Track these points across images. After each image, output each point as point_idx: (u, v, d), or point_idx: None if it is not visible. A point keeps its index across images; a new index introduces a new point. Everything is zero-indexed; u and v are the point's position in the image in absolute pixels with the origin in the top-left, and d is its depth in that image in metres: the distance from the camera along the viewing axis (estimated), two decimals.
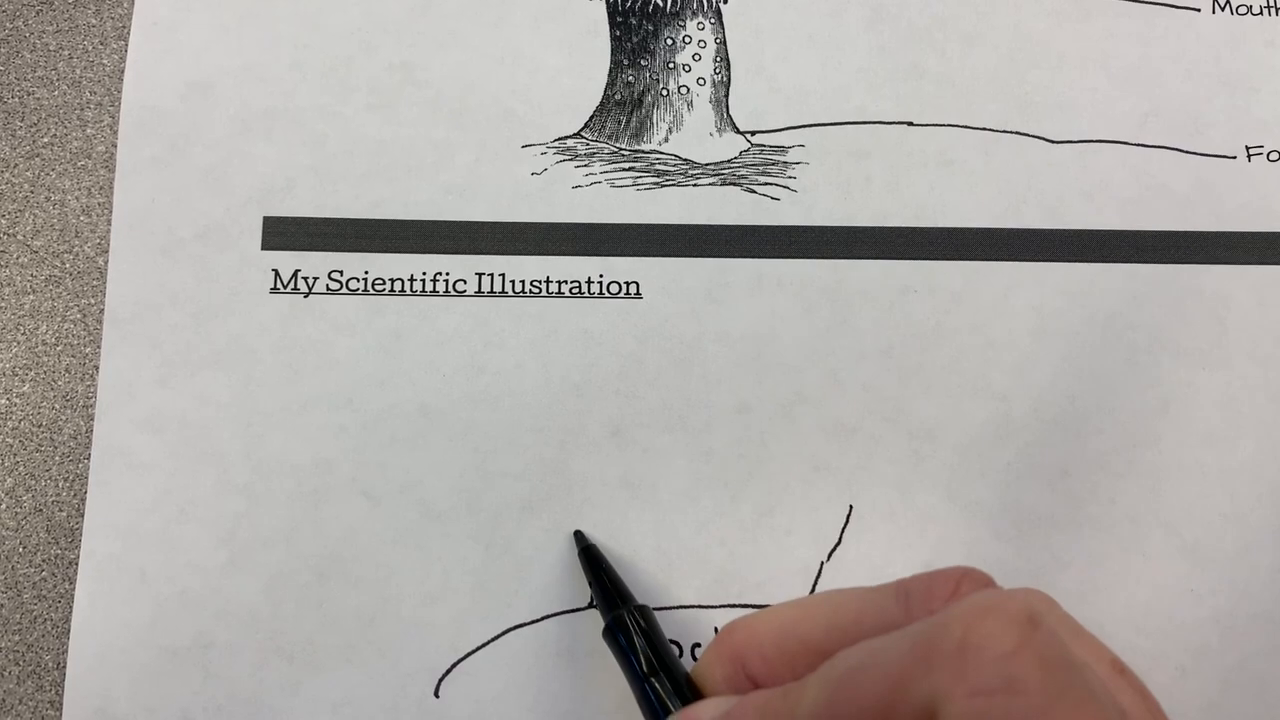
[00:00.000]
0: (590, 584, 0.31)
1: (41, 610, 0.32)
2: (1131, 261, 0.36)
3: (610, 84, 0.36)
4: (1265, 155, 0.37)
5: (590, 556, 0.32)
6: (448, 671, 0.32)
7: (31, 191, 0.35)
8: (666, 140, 0.36)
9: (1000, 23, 0.38)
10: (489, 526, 0.33)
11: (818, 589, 0.33)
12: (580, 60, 0.37)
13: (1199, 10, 0.38)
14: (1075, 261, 0.36)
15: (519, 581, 0.33)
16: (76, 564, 0.32)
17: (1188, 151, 0.37)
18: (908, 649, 0.18)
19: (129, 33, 0.36)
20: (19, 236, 0.34)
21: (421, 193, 0.35)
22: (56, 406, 0.33)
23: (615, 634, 0.29)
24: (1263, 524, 0.34)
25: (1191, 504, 0.34)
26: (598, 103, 0.36)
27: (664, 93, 0.36)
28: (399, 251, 0.35)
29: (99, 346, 0.33)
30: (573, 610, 0.33)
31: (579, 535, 0.33)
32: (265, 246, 0.34)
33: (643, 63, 0.37)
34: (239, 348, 0.34)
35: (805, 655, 0.22)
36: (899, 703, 0.18)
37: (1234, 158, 0.37)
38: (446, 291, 0.34)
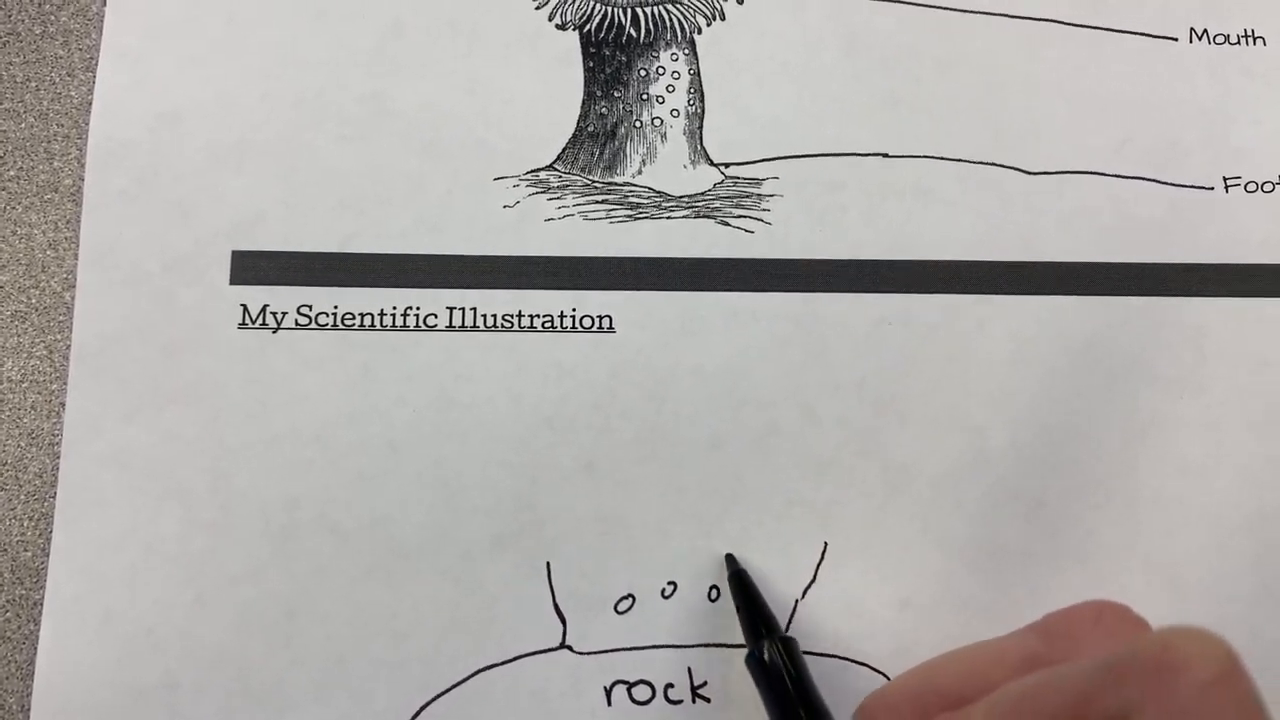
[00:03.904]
0: (738, 609, 0.31)
1: (5, 652, 0.32)
2: (1108, 294, 0.36)
3: (583, 116, 0.36)
4: (1242, 186, 0.37)
5: (741, 582, 0.32)
6: (418, 713, 0.31)
7: None
8: (640, 172, 0.36)
9: (977, 52, 0.37)
10: (460, 563, 0.32)
11: (792, 627, 0.33)
12: (553, 92, 0.36)
13: (1176, 39, 0.38)
14: (1052, 294, 0.35)
15: (490, 620, 0.32)
16: (41, 605, 0.32)
17: (1165, 182, 0.37)
18: (1094, 669, 0.18)
19: (97, 65, 0.35)
20: None
21: (392, 225, 0.35)
22: (22, 444, 0.33)
23: (760, 663, 0.29)
24: (1242, 555, 0.34)
25: (1170, 535, 0.34)
26: (570, 134, 0.36)
27: (637, 124, 0.36)
28: (369, 285, 0.34)
29: (65, 383, 0.33)
30: (545, 650, 0.32)
31: (730, 559, 0.33)
32: (234, 281, 0.34)
33: (616, 94, 0.36)
34: (206, 383, 0.33)
35: (944, 707, 0.21)
36: (1084, 717, 0.17)
37: (1211, 188, 0.37)
38: (417, 326, 0.34)
